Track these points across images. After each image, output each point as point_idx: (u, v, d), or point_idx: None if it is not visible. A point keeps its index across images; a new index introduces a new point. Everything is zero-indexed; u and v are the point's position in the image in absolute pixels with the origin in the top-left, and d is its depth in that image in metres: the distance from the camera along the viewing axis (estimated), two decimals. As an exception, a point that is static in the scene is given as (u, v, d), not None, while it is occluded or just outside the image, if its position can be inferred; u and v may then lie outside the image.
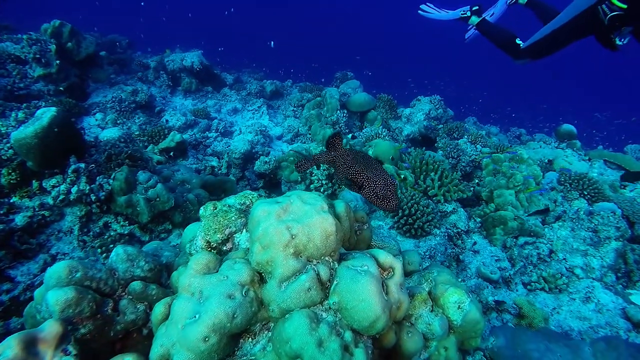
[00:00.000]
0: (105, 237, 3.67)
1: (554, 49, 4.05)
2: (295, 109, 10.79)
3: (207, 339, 1.43)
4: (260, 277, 1.65)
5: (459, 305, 1.95)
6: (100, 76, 10.11)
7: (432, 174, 5.06)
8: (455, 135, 8.35)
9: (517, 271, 4.30)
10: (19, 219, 3.50)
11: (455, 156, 6.86)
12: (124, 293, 1.94)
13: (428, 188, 4.97)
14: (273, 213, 1.64)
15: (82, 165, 3.66)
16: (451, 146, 7.08)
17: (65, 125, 3.57)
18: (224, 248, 1.84)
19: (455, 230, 4.72)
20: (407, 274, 2.32)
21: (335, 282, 1.63)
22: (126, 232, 3.79)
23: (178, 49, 12.03)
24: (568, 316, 3.73)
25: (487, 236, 4.70)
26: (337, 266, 1.69)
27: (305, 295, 1.55)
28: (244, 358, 1.59)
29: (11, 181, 3.60)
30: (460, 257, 4.33)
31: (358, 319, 1.55)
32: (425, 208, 4.52)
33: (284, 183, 6.15)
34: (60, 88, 8.65)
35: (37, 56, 8.30)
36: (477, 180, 5.98)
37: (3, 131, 3.56)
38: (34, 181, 3.68)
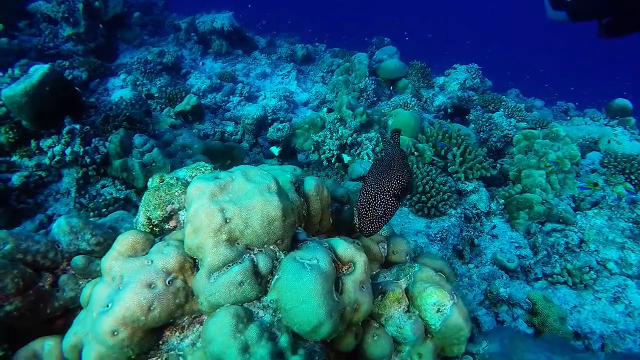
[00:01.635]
0: (100, 200, 3.61)
1: (598, 15, 3.51)
2: (324, 74, 10.40)
3: (115, 333, 1.24)
4: (194, 264, 1.43)
5: (439, 309, 1.66)
6: (128, 37, 10.06)
7: (455, 148, 4.61)
8: (491, 108, 7.69)
9: (538, 260, 3.88)
10: (15, 179, 3.49)
11: (487, 130, 6.31)
12: (68, 267, 1.80)
13: (448, 164, 4.55)
14: (207, 191, 1.38)
15: (77, 126, 3.56)
16: (484, 119, 6.50)
17: (59, 84, 3.45)
18: (167, 226, 1.63)
19: (474, 212, 4.32)
20: (390, 264, 2.04)
21: (276, 277, 1.38)
22: (122, 196, 3.71)
23: (213, 11, 11.77)
24: (590, 316, 3.31)
25: (509, 220, 4.27)
26: (282, 257, 1.44)
27: (237, 290, 1.31)
28: (171, 353, 1.39)
29: (9, 140, 3.57)
30: (476, 241, 3.96)
31: (298, 322, 1.31)
32: (441, 186, 4.14)
33: (300, 151, 5.89)
34: (91, 45, 8.64)
35: (66, 15, 8.28)
36: (507, 158, 5.45)
37: (-3, 88, 3.50)
38: (32, 141, 3.63)
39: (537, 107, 10.93)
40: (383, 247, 2.07)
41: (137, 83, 7.38)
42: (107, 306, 1.28)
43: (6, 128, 3.55)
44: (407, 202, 4.16)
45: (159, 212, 1.59)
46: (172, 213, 1.62)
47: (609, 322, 3.25)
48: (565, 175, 4.47)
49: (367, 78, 8.55)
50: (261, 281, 1.37)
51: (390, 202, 1.75)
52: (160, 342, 1.39)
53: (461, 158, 4.50)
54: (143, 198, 1.63)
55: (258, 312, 1.36)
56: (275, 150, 5.44)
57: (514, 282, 3.51)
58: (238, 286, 1.31)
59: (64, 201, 3.68)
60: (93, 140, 3.59)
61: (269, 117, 7.51)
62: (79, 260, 1.73)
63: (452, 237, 3.86)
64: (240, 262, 1.34)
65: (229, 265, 1.34)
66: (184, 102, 6.33)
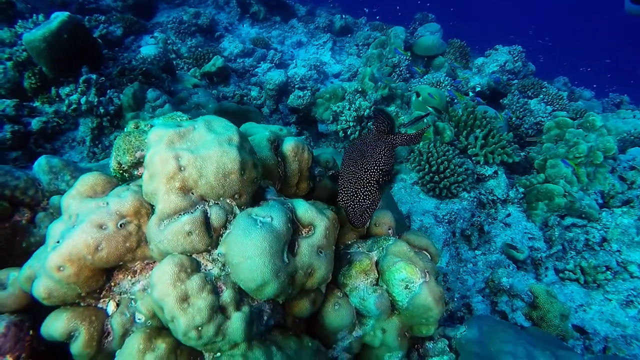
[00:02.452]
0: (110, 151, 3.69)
1: None
2: (360, 47, 10.16)
3: (61, 269, 1.25)
4: (152, 210, 1.41)
5: (407, 285, 1.57)
6: (165, -5, 10.07)
7: (478, 130, 4.37)
8: (530, 94, 7.23)
9: (552, 254, 3.67)
10: (34, 123, 3.62)
11: (521, 116, 5.94)
12: (48, 206, 1.84)
13: (469, 146, 4.32)
14: (165, 137, 1.34)
15: (94, 76, 3.62)
16: (518, 104, 6.11)
17: (78, 33, 3.49)
18: (135, 172, 1.61)
19: (490, 197, 4.11)
20: (371, 237, 1.95)
21: (227, 231, 1.34)
22: (133, 149, 3.77)
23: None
24: (596, 317, 3.11)
25: (527, 210, 4.03)
26: (238, 212, 1.39)
27: (185, 240, 1.28)
28: (123, 296, 1.40)
29: (32, 85, 3.69)
30: (487, 227, 3.78)
31: (244, 279, 1.27)
32: (457, 167, 3.94)
33: (320, 121, 5.79)
34: (129, 2, 8.76)
35: (106, -29, 8.35)
36: (536, 147, 5.12)
37: (20, 32, 3.59)
38: (52, 88, 3.74)
39: (585, 98, 10.19)
40: (368, 221, 1.98)
41: (168, 42, 7.43)
42: (58, 242, 1.29)
43: (29, 73, 3.67)
44: (420, 181, 4.02)
45: (128, 158, 1.57)
46: (142, 159, 1.60)
47: (617, 325, 3.03)
48: (596, 168, 4.14)
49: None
50: (212, 234, 1.34)
51: (374, 191, 1.69)
52: (112, 284, 1.40)
53: (483, 141, 4.25)
54: (115, 142, 1.61)
55: (206, 265, 1.33)
56: None
57: (519, 273, 3.34)
58: (186, 236, 1.28)
59: (79, 149, 3.80)
60: (108, 91, 3.65)
61: (296, 86, 7.40)
62: (56, 199, 1.77)
63: (462, 220, 3.69)
64: (191, 212, 1.31)
65: (180, 214, 1.31)
66: (210, 64, 6.33)
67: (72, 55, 3.51)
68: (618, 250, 3.70)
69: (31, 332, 1.35)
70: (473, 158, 4.27)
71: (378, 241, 1.75)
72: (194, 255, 1.33)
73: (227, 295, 1.28)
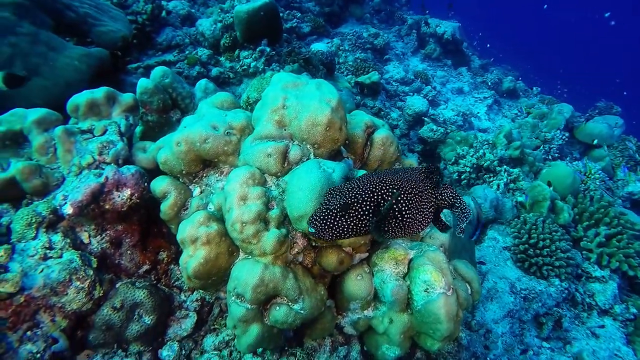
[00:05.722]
0: (255, 111, 4.38)
1: None
2: (518, 113, 9.74)
3: (178, 145, 1.70)
4: (253, 131, 1.79)
5: (427, 288, 1.64)
6: (356, 13, 11.17)
7: (603, 227, 3.88)
8: None
9: (640, 394, 3.07)
10: (214, 71, 4.51)
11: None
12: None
13: (585, 239, 3.88)
14: (282, 82, 1.70)
15: (268, 49, 4.36)
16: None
17: (271, 14, 4.26)
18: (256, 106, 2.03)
19: (587, 300, 3.62)
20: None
21: (296, 167, 1.63)
22: (272, 116, 4.42)
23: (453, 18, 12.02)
24: None
25: (631, 334, 3.43)
26: (312, 158, 1.67)
27: (264, 159, 1.61)
28: (207, 187, 1.81)
29: (225, 44, 4.61)
30: (566, 324, 3.36)
31: (290, 205, 1.54)
32: (559, 251, 3.59)
33: (442, 159, 5.77)
34: (325, 10, 9.99)
35: (317, -18, 9.63)
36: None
37: (235, 4, 4.54)
38: (237, 49, 4.61)
39: None
40: (424, 231, 2.08)
41: (340, 48, 8.25)
42: (185, 127, 1.75)
43: (227, 35, 4.60)
44: (513, 248, 3.77)
45: (254, 94, 2.00)
46: (264, 99, 2.01)
47: None
48: None
49: (559, 131, 7.63)
50: (286, 165, 1.64)
51: (363, 205, 1.34)
52: (203, 175, 1.82)
53: (604, 239, 3.77)
54: (252, 81, 2.06)
55: (271, 185, 1.64)
56: None
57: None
58: (266, 157, 1.61)
59: (234, 102, 4.59)
60: (273, 64, 4.34)
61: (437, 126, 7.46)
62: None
63: (539, 304, 3.36)
64: (277, 141, 1.64)
65: (269, 139, 1.65)
66: (367, 76, 6.84)
67: (260, 29, 4.31)
68: None
69: (146, 184, 1.83)
70: (584, 252, 3.81)
71: (422, 245, 1.84)
72: (265, 175, 1.65)
73: (274, 212, 1.56)
